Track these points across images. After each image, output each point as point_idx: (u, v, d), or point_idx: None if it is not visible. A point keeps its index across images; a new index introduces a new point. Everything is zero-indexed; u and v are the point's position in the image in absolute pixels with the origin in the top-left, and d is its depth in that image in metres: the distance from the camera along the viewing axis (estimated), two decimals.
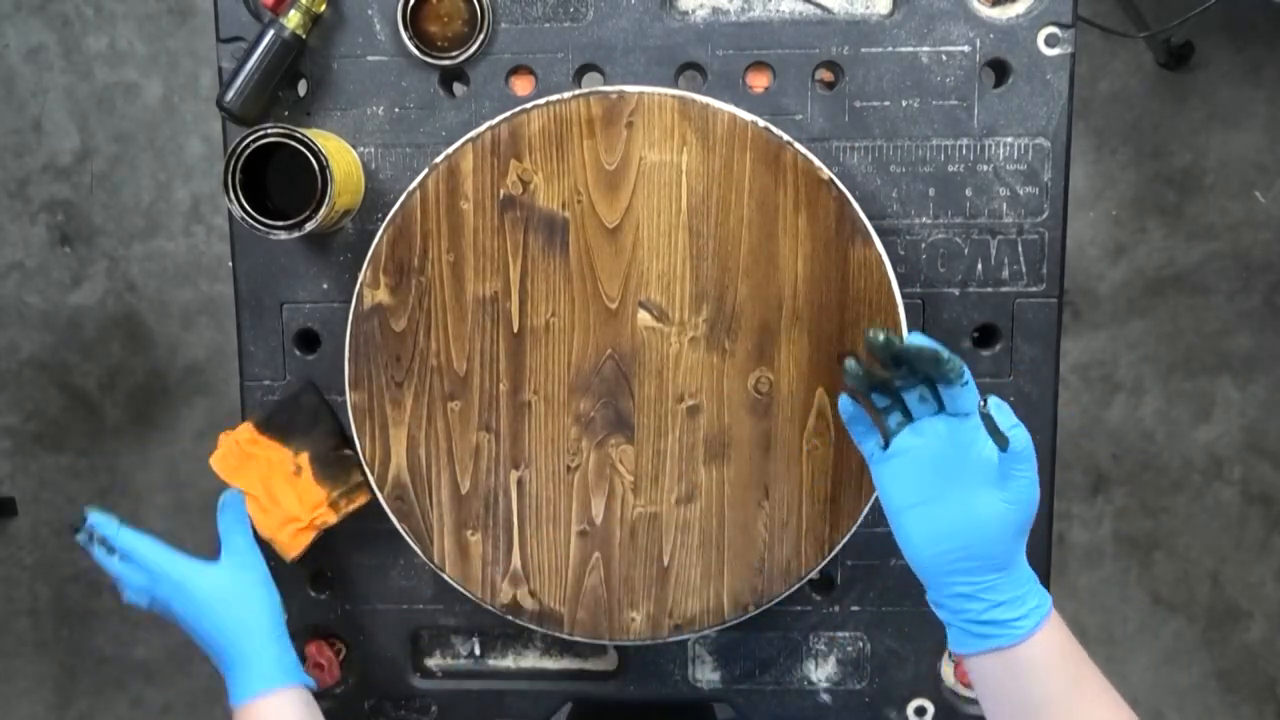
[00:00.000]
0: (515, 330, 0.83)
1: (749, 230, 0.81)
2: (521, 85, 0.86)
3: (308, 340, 0.89)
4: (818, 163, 0.81)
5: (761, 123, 0.81)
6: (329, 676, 0.92)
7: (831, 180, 0.80)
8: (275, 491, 0.86)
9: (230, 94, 0.81)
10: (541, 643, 0.94)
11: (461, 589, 0.86)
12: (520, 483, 0.84)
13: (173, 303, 1.93)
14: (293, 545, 0.86)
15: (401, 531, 0.86)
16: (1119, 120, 1.82)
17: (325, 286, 0.88)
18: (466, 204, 0.82)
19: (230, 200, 0.77)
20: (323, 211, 0.77)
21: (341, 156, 0.82)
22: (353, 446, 0.86)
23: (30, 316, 1.95)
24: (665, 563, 0.85)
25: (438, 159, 0.82)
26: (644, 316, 0.82)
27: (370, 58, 0.85)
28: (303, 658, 0.93)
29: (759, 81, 0.85)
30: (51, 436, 1.96)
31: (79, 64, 1.91)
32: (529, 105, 0.81)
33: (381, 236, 0.83)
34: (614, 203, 0.81)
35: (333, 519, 0.86)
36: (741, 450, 0.83)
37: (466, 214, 0.82)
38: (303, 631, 0.92)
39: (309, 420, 0.87)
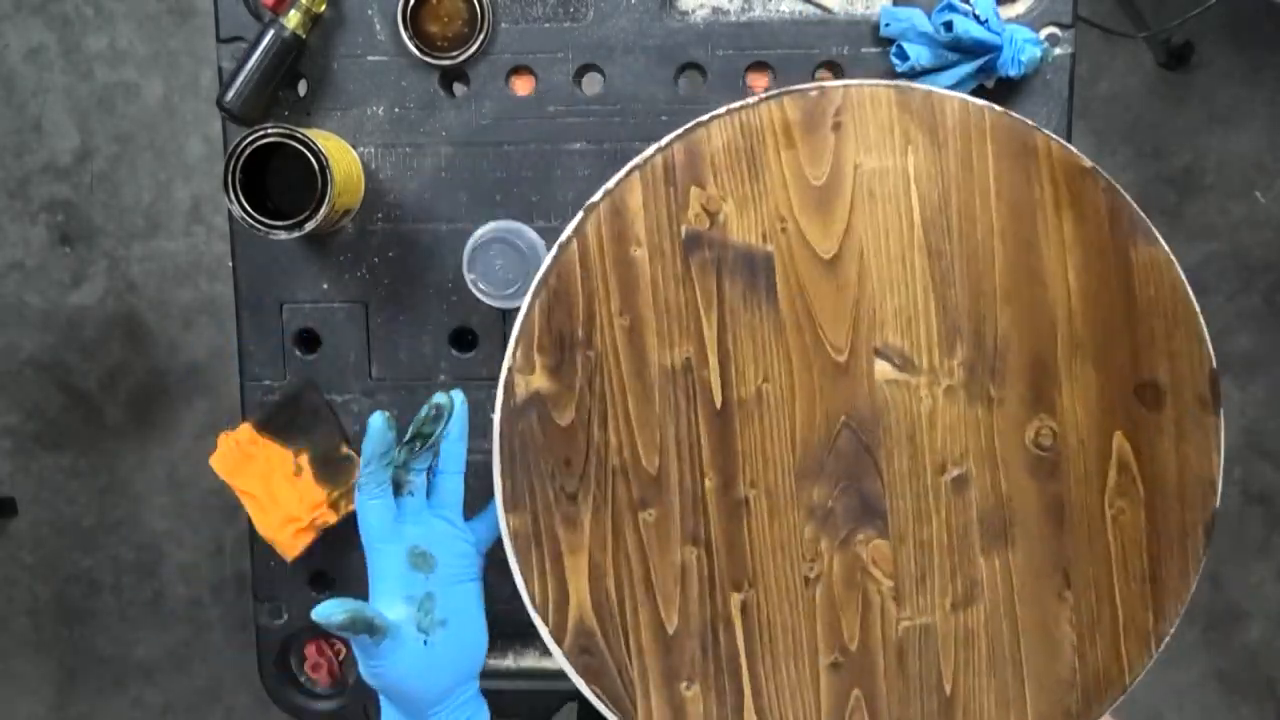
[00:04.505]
0: (718, 406, 0.66)
1: (1002, 242, 0.66)
2: (522, 85, 0.86)
3: (308, 340, 0.89)
4: (1075, 150, 0.66)
5: (999, 108, 0.66)
6: (329, 676, 0.92)
7: (1094, 169, 0.65)
8: (275, 491, 0.86)
9: (230, 94, 0.81)
10: (542, 643, 0.93)
11: None
12: (745, 608, 0.66)
13: (173, 303, 1.93)
14: (293, 545, 0.86)
15: (591, 697, 0.66)
16: (1119, 120, 1.82)
17: (325, 286, 0.88)
18: (639, 250, 0.66)
19: (230, 200, 0.77)
20: (323, 211, 0.77)
21: (341, 156, 0.82)
22: (353, 446, 0.86)
23: (30, 316, 1.95)
24: (948, 691, 0.67)
25: (595, 196, 0.65)
26: (883, 368, 0.66)
27: (370, 58, 0.85)
28: (303, 658, 0.93)
29: (759, 82, 0.85)
30: (51, 436, 1.96)
31: (79, 64, 1.91)
32: (707, 117, 0.66)
33: (533, 304, 0.66)
34: (828, 226, 0.66)
35: (333, 519, 0.86)
36: (1028, 527, 0.67)
37: (640, 262, 0.66)
38: (303, 631, 0.92)
39: (309, 420, 0.87)
